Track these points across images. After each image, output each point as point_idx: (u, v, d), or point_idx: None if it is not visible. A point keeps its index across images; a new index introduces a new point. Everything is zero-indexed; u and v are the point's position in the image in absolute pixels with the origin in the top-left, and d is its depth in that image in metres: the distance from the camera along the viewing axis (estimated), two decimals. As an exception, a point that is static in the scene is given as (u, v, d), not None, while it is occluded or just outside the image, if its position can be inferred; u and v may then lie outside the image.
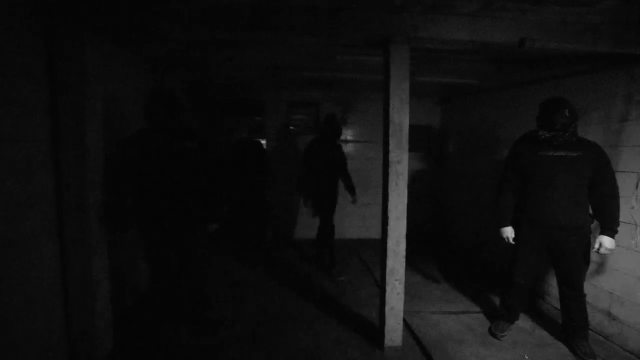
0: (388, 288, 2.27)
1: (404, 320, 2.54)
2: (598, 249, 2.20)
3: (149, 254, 2.32)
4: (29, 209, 1.79)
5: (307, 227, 4.84)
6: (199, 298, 2.49)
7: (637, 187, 2.36)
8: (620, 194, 2.24)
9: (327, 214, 3.66)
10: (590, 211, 2.29)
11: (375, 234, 5.06)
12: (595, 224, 2.27)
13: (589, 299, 2.39)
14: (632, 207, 2.37)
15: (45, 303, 1.91)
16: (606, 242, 2.17)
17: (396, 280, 2.27)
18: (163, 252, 2.32)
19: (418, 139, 4.96)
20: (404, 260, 2.27)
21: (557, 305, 2.53)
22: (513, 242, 2.44)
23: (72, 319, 2.07)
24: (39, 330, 1.86)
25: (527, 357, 2.29)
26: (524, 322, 2.71)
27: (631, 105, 2.42)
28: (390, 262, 2.25)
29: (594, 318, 2.55)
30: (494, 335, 2.52)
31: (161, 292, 2.39)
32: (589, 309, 2.36)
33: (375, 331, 2.52)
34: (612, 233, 2.17)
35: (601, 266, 2.56)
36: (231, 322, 2.65)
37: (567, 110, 2.19)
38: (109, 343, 2.25)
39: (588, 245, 2.26)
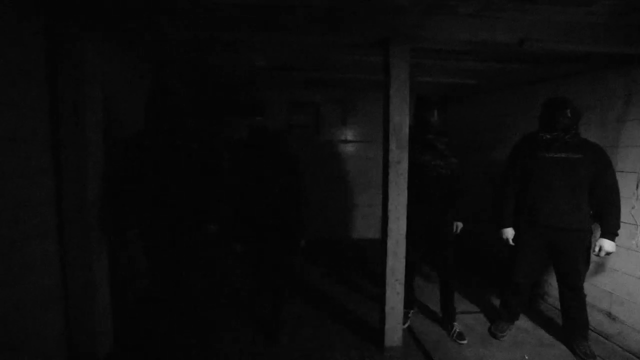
0: (388, 288, 2.27)
1: (404, 321, 2.54)
2: (598, 253, 2.19)
3: (149, 254, 2.32)
4: (29, 209, 1.78)
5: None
6: (200, 298, 2.48)
7: (637, 187, 2.36)
8: (621, 194, 2.23)
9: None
10: (591, 212, 2.28)
11: (374, 233, 5.07)
12: (596, 225, 2.27)
13: (588, 299, 2.39)
14: (633, 207, 2.37)
15: (45, 303, 1.91)
16: (606, 245, 2.16)
17: (396, 280, 2.27)
18: (162, 252, 2.31)
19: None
20: (404, 260, 2.27)
21: (557, 305, 2.53)
22: (513, 243, 2.44)
23: (72, 319, 2.07)
24: (39, 330, 1.86)
25: (527, 357, 2.29)
26: (524, 322, 2.71)
27: (630, 105, 2.42)
28: (390, 262, 2.25)
29: (594, 318, 2.55)
30: (494, 336, 2.52)
31: (160, 292, 2.38)
32: (589, 309, 2.36)
33: (375, 331, 2.52)
34: (612, 236, 2.16)
35: (601, 266, 2.56)
36: (232, 323, 2.65)
37: (569, 110, 2.19)
38: (109, 343, 2.25)
39: (588, 246, 2.26)
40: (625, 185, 2.39)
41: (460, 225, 2.64)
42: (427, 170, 2.45)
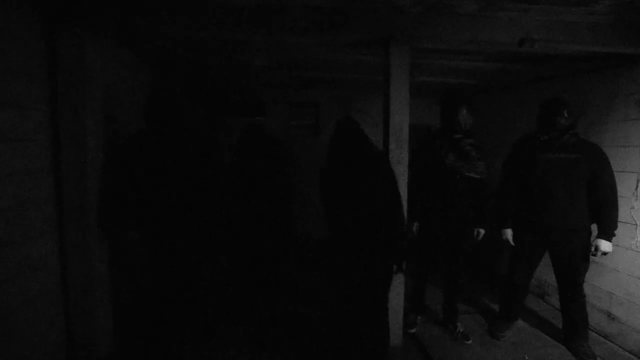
0: (388, 288, 2.27)
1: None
2: (594, 252, 2.19)
3: (149, 254, 2.32)
4: (29, 209, 1.78)
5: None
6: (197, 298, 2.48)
7: (637, 187, 2.35)
8: (620, 194, 2.23)
9: None
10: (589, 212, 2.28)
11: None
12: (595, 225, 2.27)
13: (588, 299, 2.39)
14: (632, 207, 2.37)
15: (45, 303, 1.91)
16: (602, 245, 2.16)
17: (396, 280, 2.27)
18: (162, 252, 2.31)
19: (418, 138, 4.96)
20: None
21: (557, 305, 2.53)
22: (513, 244, 2.44)
23: (72, 320, 2.07)
24: (39, 330, 1.86)
25: (527, 357, 2.29)
26: (523, 322, 2.71)
27: (631, 105, 2.42)
28: (390, 262, 2.25)
29: (594, 318, 2.55)
30: (493, 336, 2.52)
31: (160, 293, 2.38)
32: (588, 309, 2.36)
33: (375, 331, 2.51)
34: (608, 237, 2.16)
35: (601, 266, 2.56)
36: (232, 323, 2.65)
37: (566, 110, 2.19)
38: (109, 344, 2.25)
39: (587, 247, 2.26)
40: (625, 185, 2.39)
41: (482, 232, 2.49)
42: (449, 172, 2.33)
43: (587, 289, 2.36)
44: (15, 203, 1.70)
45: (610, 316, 2.51)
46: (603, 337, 2.52)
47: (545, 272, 3.00)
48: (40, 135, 1.86)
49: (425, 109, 5.12)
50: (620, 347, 2.40)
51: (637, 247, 2.35)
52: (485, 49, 2.29)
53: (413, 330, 2.56)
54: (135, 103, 2.85)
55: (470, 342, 2.45)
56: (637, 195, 2.35)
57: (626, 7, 1.95)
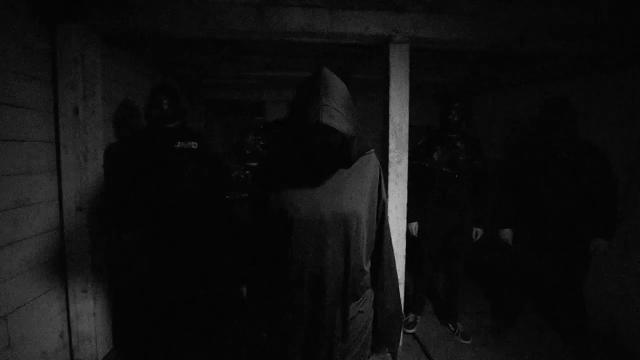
0: (388, 288, 2.26)
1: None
2: (594, 252, 2.19)
3: (149, 255, 2.32)
4: (29, 209, 1.79)
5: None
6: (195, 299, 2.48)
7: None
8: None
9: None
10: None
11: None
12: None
13: (589, 298, 2.39)
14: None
15: (45, 303, 1.91)
16: (601, 245, 2.16)
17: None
18: (162, 253, 2.31)
19: (418, 139, 4.95)
20: (404, 260, 2.27)
21: (558, 305, 2.53)
22: (512, 244, 2.44)
23: (72, 320, 2.07)
24: (39, 331, 1.86)
25: (527, 357, 2.29)
26: (523, 322, 2.71)
27: (635, 105, 2.42)
28: (390, 262, 2.24)
29: (594, 318, 2.55)
30: (493, 336, 2.51)
31: (159, 294, 2.38)
32: (588, 309, 2.36)
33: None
34: (607, 237, 2.17)
35: (601, 266, 2.56)
36: (232, 323, 2.65)
37: (567, 111, 2.19)
38: (109, 344, 2.25)
39: (587, 246, 2.26)
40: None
41: (480, 232, 2.51)
42: (446, 171, 2.34)
43: (587, 288, 2.36)
44: (15, 203, 1.70)
45: (609, 316, 2.51)
46: (603, 336, 2.52)
47: (545, 272, 3.00)
48: (40, 135, 1.87)
49: (425, 109, 5.13)
50: (620, 347, 2.40)
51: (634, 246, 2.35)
52: (486, 48, 2.29)
53: (413, 330, 2.56)
54: (136, 103, 2.86)
55: (470, 342, 2.44)
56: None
57: (630, 7, 1.95)
